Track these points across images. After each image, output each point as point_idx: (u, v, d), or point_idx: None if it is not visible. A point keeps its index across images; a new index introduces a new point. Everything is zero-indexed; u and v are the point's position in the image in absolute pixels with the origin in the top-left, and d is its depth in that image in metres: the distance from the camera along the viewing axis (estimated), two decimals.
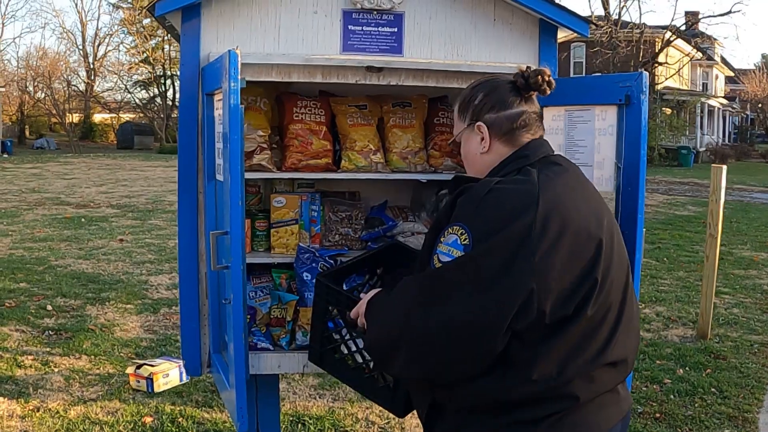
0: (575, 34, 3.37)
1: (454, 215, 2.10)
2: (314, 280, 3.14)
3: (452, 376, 2.09)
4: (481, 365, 2.03)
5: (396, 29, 3.22)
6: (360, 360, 2.66)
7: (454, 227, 2.06)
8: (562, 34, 3.39)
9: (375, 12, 3.19)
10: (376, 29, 3.20)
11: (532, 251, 1.97)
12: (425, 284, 2.09)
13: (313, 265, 3.21)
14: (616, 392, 2.19)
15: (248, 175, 3.21)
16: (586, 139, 2.96)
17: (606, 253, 2.08)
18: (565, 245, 2.01)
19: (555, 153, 2.31)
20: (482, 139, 2.26)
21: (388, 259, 2.93)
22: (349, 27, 3.19)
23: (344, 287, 2.92)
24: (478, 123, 2.26)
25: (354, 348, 2.65)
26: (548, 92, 2.28)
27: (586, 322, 2.05)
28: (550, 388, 2.03)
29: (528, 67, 2.28)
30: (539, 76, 2.24)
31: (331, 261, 3.26)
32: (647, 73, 2.74)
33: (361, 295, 2.52)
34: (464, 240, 2.02)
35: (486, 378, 2.04)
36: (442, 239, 2.08)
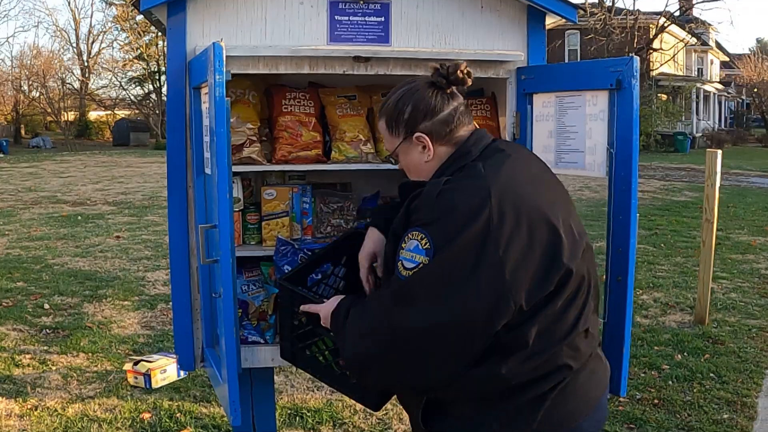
0: (567, 21, 3.35)
1: (411, 221, 2.11)
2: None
3: (437, 380, 2.12)
4: (465, 365, 2.07)
5: (383, 18, 3.20)
6: (330, 359, 2.65)
7: (413, 232, 2.08)
8: (552, 20, 3.37)
9: (361, 2, 3.17)
10: (362, 19, 3.18)
11: (495, 246, 1.99)
12: (397, 295, 2.09)
13: (294, 257, 3.19)
14: (600, 358, 2.29)
15: (238, 168, 3.21)
16: (577, 125, 2.94)
17: (566, 232, 2.12)
18: (524, 231, 2.04)
19: (496, 139, 2.33)
20: (424, 147, 2.28)
21: (350, 248, 2.92)
22: (336, 17, 3.17)
23: (310, 281, 2.91)
24: (417, 134, 2.27)
25: (324, 347, 2.64)
26: (469, 83, 2.29)
27: (565, 296, 2.11)
28: (544, 361, 2.09)
29: (442, 64, 2.28)
30: (458, 71, 2.26)
31: (309, 253, 3.25)
32: (638, 58, 2.72)
33: (325, 300, 2.52)
34: (425, 244, 2.04)
35: (484, 365, 2.07)
36: (403, 245, 2.10)
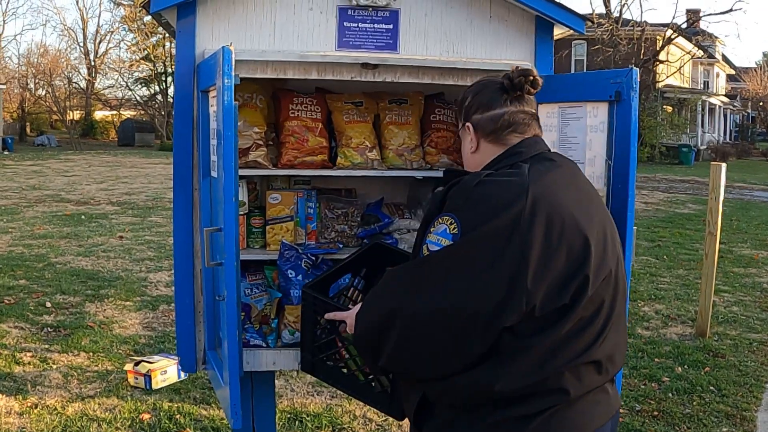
0: (574, 32, 3.36)
1: (445, 207, 2.12)
2: (299, 279, 3.14)
3: (440, 368, 2.09)
4: (470, 356, 2.04)
5: (391, 26, 3.21)
6: (354, 367, 2.65)
7: (444, 217, 2.09)
8: (559, 31, 3.38)
9: (370, 9, 3.18)
10: (371, 26, 3.19)
11: (521, 241, 1.99)
12: (414, 272, 2.11)
13: (298, 262, 3.20)
14: (606, 391, 2.20)
15: (244, 172, 3.21)
16: (578, 135, 2.95)
17: (597, 250, 2.08)
18: (554, 236, 2.02)
19: (551, 150, 2.32)
20: (471, 139, 2.30)
21: (371, 260, 2.93)
22: (345, 24, 3.18)
23: (331, 291, 2.92)
24: (467, 124, 2.31)
25: (347, 355, 2.64)
26: (532, 92, 2.28)
27: (578, 318, 2.06)
28: (541, 381, 2.04)
29: (516, 68, 2.28)
30: (522, 77, 2.25)
31: (313, 258, 3.26)
32: (637, 69, 2.72)
33: (350, 306, 2.53)
34: (453, 229, 2.05)
35: (477, 370, 2.04)
36: (432, 229, 2.10)
